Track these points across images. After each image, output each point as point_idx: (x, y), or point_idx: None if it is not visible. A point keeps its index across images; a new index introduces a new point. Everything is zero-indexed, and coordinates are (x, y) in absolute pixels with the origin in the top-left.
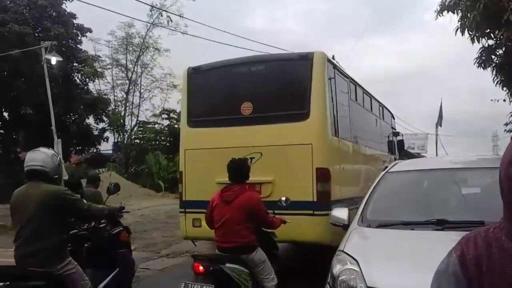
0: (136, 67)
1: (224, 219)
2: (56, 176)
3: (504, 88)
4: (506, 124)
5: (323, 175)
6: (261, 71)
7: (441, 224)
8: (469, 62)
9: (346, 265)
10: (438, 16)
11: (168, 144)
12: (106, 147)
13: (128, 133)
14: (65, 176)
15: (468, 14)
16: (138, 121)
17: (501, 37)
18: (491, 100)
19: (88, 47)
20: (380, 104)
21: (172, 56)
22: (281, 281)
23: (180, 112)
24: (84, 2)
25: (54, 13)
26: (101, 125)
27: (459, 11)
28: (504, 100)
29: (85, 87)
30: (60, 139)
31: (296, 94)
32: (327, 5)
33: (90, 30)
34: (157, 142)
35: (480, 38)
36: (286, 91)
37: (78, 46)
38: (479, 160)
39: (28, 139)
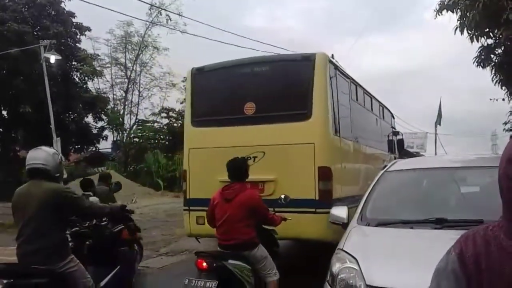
0: (135, 65)
1: (226, 217)
2: (58, 175)
3: (503, 87)
4: (505, 123)
5: (325, 174)
6: (264, 71)
7: (440, 223)
8: (468, 61)
9: (345, 263)
10: (438, 15)
11: (167, 142)
12: (105, 146)
13: (127, 132)
14: (64, 175)
15: (467, 13)
16: (137, 120)
17: (500, 36)
18: (490, 99)
19: (87, 45)
20: (380, 104)
21: (171, 55)
22: (283, 278)
23: (178, 110)
24: (83, 0)
25: (53, 11)
26: (100, 124)
27: (458, 10)
28: (503, 99)
29: (84, 86)
30: (59, 138)
31: (299, 94)
32: (327, 3)
33: (89, 29)
34: (156, 141)
35: (479, 37)
36: (288, 91)
37: (77, 44)
38: (478, 159)
39: (27, 138)
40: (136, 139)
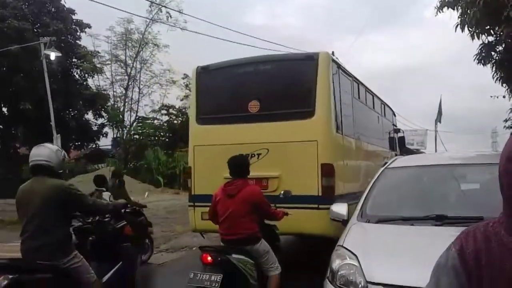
0: (135, 63)
1: (228, 213)
2: (61, 171)
3: (504, 85)
4: (506, 121)
5: (327, 171)
6: (268, 70)
7: (441, 220)
8: (469, 58)
9: (345, 260)
10: (438, 12)
11: (167, 140)
12: (105, 143)
13: (127, 129)
14: None
15: (468, 11)
16: (137, 117)
17: (501, 33)
18: (491, 96)
19: (87, 42)
20: (382, 102)
21: (172, 52)
22: (284, 272)
23: (178, 107)
24: None
25: (53, 8)
26: (100, 121)
27: (459, 7)
28: (504, 97)
29: (84, 83)
30: (59, 135)
31: (302, 93)
32: (327, 1)
33: (89, 26)
34: (156, 138)
35: (480, 35)
36: (292, 90)
37: (77, 41)
38: (478, 156)
39: (27, 135)
40: (136, 136)
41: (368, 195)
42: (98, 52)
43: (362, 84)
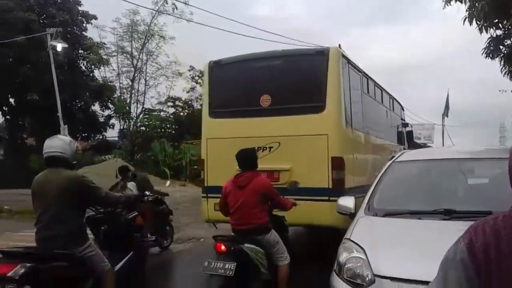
0: (141, 54)
1: (239, 203)
2: (75, 162)
3: None
4: None
5: (338, 164)
6: (279, 65)
7: (449, 214)
8: (477, 52)
9: (352, 253)
10: (446, 5)
11: (173, 132)
12: (112, 134)
13: (133, 120)
14: None
15: (476, 4)
16: (143, 109)
17: (510, 27)
18: (499, 90)
19: (93, 34)
20: (391, 96)
21: (178, 43)
22: (293, 263)
23: (185, 99)
24: None
25: None
26: (107, 112)
27: (467, 0)
28: None
29: (91, 74)
30: (66, 126)
31: (313, 88)
32: None
33: (95, 17)
34: (162, 130)
35: (488, 28)
36: (303, 84)
37: (83, 33)
38: (487, 151)
39: (35, 125)
40: (143, 128)
41: (375, 188)
42: (104, 43)
43: (371, 78)
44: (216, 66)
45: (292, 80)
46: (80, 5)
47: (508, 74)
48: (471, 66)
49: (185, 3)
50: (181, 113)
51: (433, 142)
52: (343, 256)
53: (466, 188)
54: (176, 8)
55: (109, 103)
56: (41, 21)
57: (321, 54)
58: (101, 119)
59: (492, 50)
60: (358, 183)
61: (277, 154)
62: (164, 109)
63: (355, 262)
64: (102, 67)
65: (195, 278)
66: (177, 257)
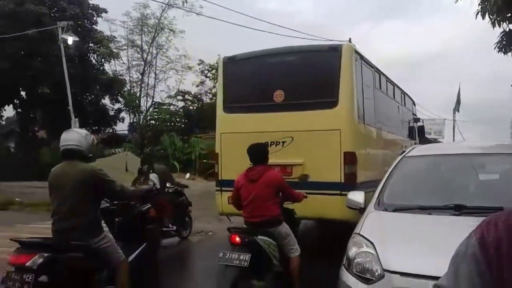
0: (151, 48)
1: (252, 197)
2: (90, 155)
3: None
4: None
5: (350, 158)
6: (292, 61)
7: (459, 209)
8: (489, 47)
9: (362, 247)
10: None
11: (183, 125)
12: (122, 128)
13: (143, 114)
14: None
15: None
16: (153, 102)
17: None
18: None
19: (103, 27)
20: (402, 91)
21: (187, 37)
22: (304, 256)
23: (194, 93)
24: None
25: None
26: (117, 106)
27: None
28: None
29: (101, 68)
30: (77, 119)
31: (326, 83)
32: None
33: (105, 11)
34: (172, 124)
35: (501, 22)
36: (316, 80)
37: (94, 26)
38: (498, 146)
39: (46, 118)
40: (152, 122)
41: (385, 183)
42: (115, 37)
43: (383, 74)
44: (230, 62)
45: (305, 76)
46: None
47: None
48: (483, 61)
49: None
50: (191, 107)
51: (444, 137)
52: (352, 251)
53: (477, 183)
54: (186, 1)
55: (119, 97)
56: (52, 15)
57: (334, 50)
58: (111, 113)
59: (504, 45)
60: (370, 178)
61: (290, 149)
62: (173, 103)
63: (365, 256)
64: (112, 61)
65: (205, 270)
66: (189, 249)
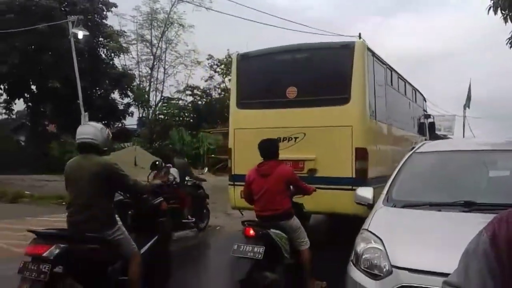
0: (160, 43)
1: (264, 191)
2: (106, 148)
3: None
4: None
5: (361, 154)
6: (305, 58)
7: (469, 206)
8: (501, 42)
9: (370, 243)
10: None
11: (191, 120)
12: (131, 122)
13: (152, 109)
14: None
15: None
16: (162, 97)
17: None
18: None
19: (113, 22)
20: (413, 88)
21: (197, 32)
22: (312, 250)
23: (203, 88)
24: None
25: None
26: (126, 100)
27: None
28: None
29: (111, 62)
30: (87, 113)
31: (338, 80)
32: None
33: (115, 5)
34: (181, 118)
35: None
36: (328, 77)
37: (104, 21)
38: (508, 143)
39: (56, 112)
40: (161, 116)
41: (394, 179)
42: (124, 31)
43: (395, 70)
44: (243, 59)
45: (317, 73)
46: None
47: None
48: (495, 57)
49: None
50: (199, 102)
51: (453, 134)
52: (360, 247)
53: (487, 180)
54: None
55: (128, 91)
56: (63, 9)
57: (347, 48)
58: (121, 107)
59: None
60: (380, 173)
61: (302, 145)
62: (182, 97)
63: (373, 252)
64: (122, 55)
65: (214, 263)
66: (198, 243)
